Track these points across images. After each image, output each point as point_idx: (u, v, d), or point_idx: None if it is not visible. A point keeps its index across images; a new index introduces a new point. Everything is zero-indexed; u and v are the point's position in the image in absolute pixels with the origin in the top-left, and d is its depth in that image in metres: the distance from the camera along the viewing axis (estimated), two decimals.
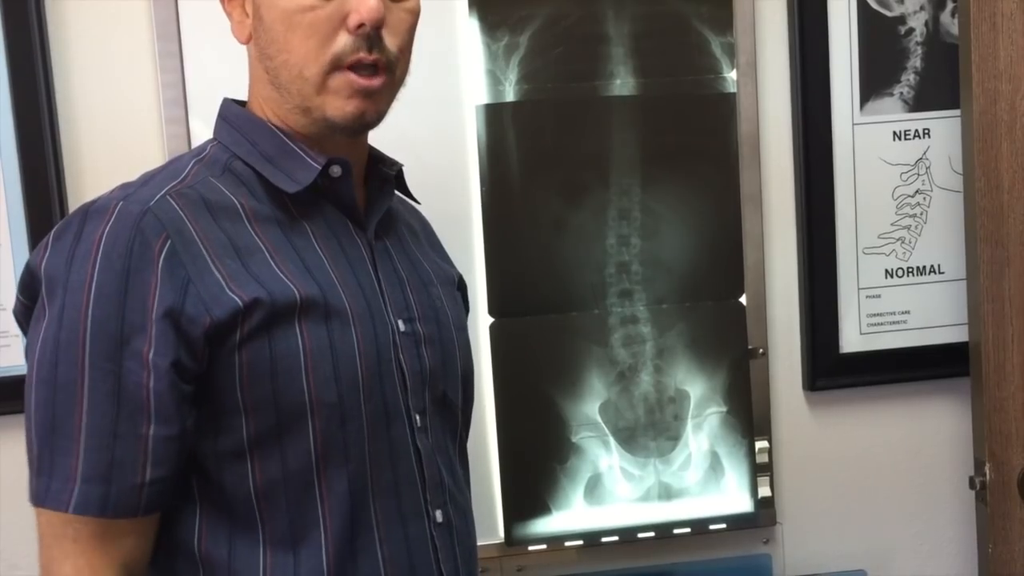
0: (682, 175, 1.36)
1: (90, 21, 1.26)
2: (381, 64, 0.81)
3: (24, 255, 1.25)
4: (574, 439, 1.36)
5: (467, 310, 1.04)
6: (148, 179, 0.83)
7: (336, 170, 0.85)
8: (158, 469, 0.76)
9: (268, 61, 0.83)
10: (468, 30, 1.30)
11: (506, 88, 1.32)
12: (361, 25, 0.79)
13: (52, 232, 0.80)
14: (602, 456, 1.37)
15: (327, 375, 0.79)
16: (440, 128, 1.32)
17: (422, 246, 0.98)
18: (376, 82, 0.81)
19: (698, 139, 1.36)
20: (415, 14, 0.84)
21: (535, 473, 1.35)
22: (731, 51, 1.35)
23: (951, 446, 1.47)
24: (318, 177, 0.84)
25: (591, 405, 1.36)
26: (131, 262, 0.76)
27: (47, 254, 0.78)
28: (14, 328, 1.26)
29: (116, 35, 1.27)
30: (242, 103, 0.90)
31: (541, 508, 1.36)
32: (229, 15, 0.86)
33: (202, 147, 0.88)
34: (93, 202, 0.80)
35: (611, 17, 1.33)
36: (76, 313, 0.75)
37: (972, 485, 1.37)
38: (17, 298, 0.81)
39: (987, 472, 1.34)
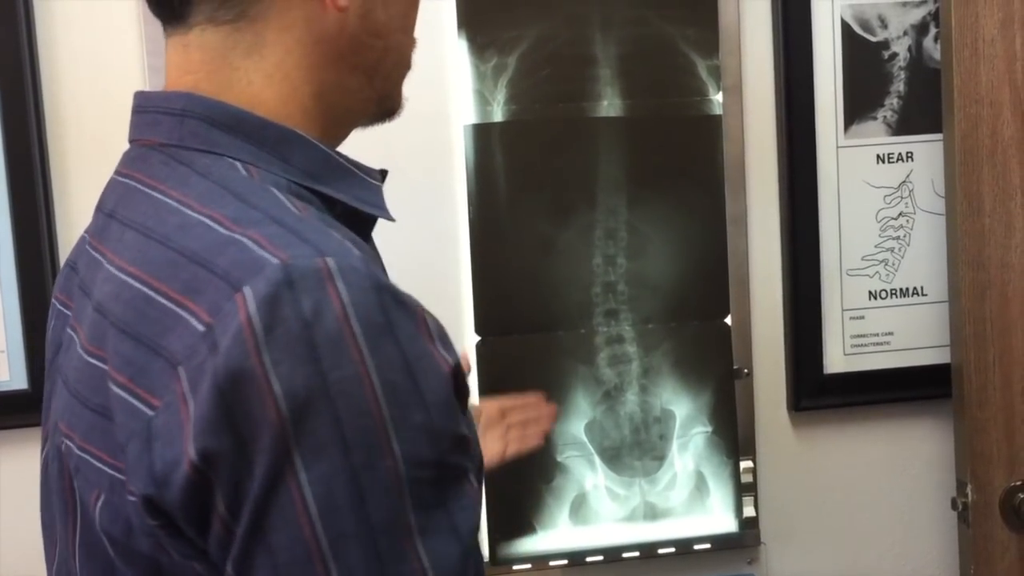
0: (668, 196, 1.37)
1: (79, 25, 1.27)
2: None
3: (10, 262, 1.25)
4: (559, 458, 1.36)
5: None
6: (276, 218, 0.56)
7: (382, 183, 0.70)
8: None
9: (376, 40, 0.66)
10: (456, 50, 1.31)
11: (494, 108, 1.33)
12: None
13: (253, 322, 0.51)
14: (587, 475, 1.37)
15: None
16: (428, 147, 1.33)
17: None
18: None
19: (684, 160, 1.38)
20: None
21: (520, 492, 1.35)
22: (717, 74, 1.37)
23: (934, 467, 1.47)
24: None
25: (577, 424, 1.36)
26: (398, 329, 0.54)
27: (266, 356, 0.51)
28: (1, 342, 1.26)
29: (105, 40, 1.28)
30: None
31: (526, 527, 1.35)
32: None
33: (218, 161, 0.61)
34: (282, 268, 0.52)
35: (598, 39, 1.35)
36: (365, 419, 0.52)
37: (954, 506, 1.37)
38: (185, 464, 0.51)
39: (969, 493, 1.34)
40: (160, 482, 0.53)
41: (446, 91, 1.32)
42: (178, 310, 0.54)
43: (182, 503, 0.53)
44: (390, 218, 0.67)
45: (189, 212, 0.58)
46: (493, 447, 1.15)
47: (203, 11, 0.62)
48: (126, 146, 0.66)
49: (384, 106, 0.71)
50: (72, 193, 1.28)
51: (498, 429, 1.17)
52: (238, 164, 0.60)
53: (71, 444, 0.61)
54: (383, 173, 0.71)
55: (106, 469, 0.57)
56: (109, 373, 0.57)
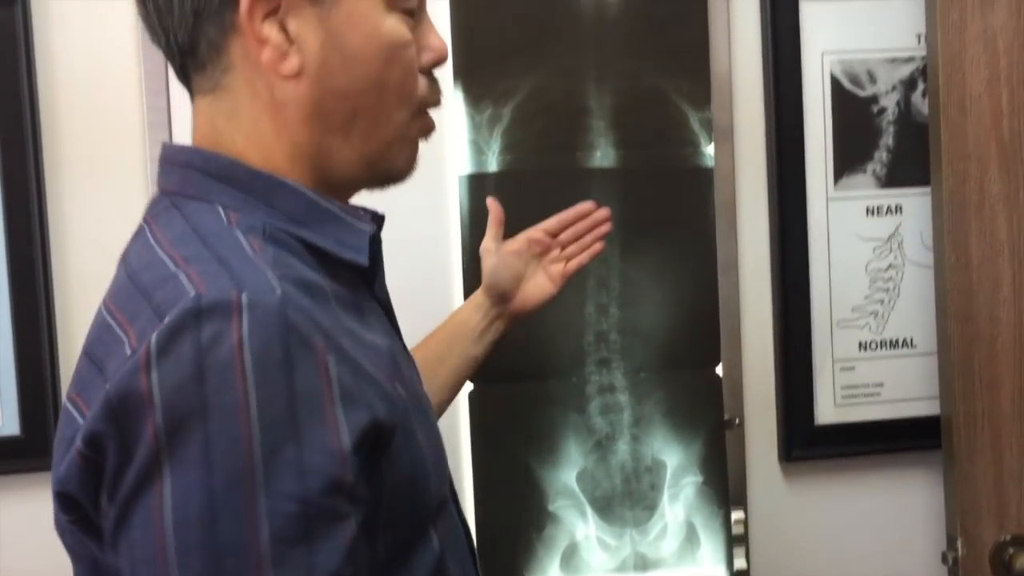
0: (660, 245, 1.38)
1: (77, 43, 1.29)
2: None
3: (5, 308, 1.25)
4: (551, 508, 1.36)
5: None
6: (222, 258, 0.61)
7: (373, 228, 0.72)
8: None
9: (341, 102, 0.68)
10: (453, 101, 1.33)
11: (489, 158, 1.35)
12: (436, 63, 0.73)
13: (151, 345, 0.57)
14: (579, 525, 1.36)
15: (440, 471, 0.71)
16: (424, 196, 1.34)
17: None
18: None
19: (676, 211, 1.39)
20: None
21: (512, 541, 1.35)
22: (709, 126, 1.39)
23: (924, 519, 1.47)
24: (370, 238, 0.71)
25: (568, 473, 1.36)
26: (295, 369, 0.57)
27: (157, 386, 0.56)
28: None
29: (104, 55, 1.29)
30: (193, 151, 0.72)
31: None
32: (263, 39, 0.66)
33: (207, 208, 0.66)
34: (197, 297, 0.58)
35: (593, 91, 1.37)
36: (233, 447, 0.55)
37: (944, 560, 1.37)
38: (74, 451, 0.58)
39: (959, 547, 1.34)
40: (64, 476, 0.60)
41: (442, 141, 1.34)
42: (121, 335, 0.61)
43: (81, 491, 0.60)
44: (361, 263, 0.70)
45: (158, 251, 0.64)
46: (535, 288, 1.12)
47: (196, 83, 0.71)
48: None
49: (378, 168, 0.73)
50: (68, 236, 1.29)
51: (531, 267, 1.13)
52: (221, 209, 0.66)
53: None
54: (379, 218, 0.76)
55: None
56: (70, 395, 0.64)
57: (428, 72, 0.74)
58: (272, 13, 0.66)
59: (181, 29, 0.67)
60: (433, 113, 0.76)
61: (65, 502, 0.62)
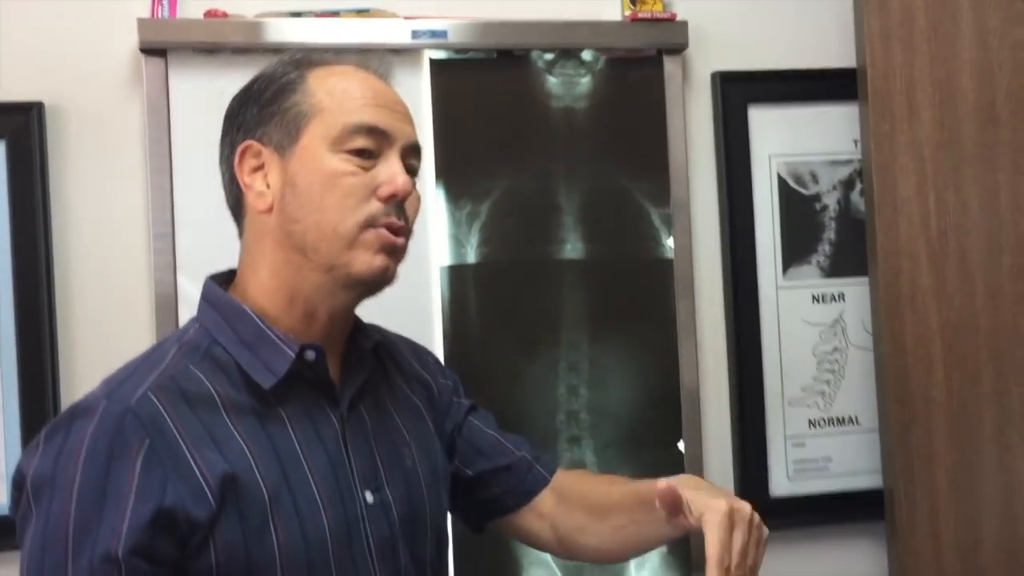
0: (625, 331, 1.50)
1: (89, 178, 1.39)
2: (404, 230, 0.90)
3: (14, 414, 1.34)
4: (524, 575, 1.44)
5: (464, 401, 1.13)
6: (132, 371, 0.86)
7: (311, 355, 0.89)
8: None
9: (295, 224, 0.88)
10: (435, 198, 1.45)
11: (468, 251, 1.46)
12: (393, 196, 0.88)
13: (43, 433, 0.83)
14: None
15: (299, 562, 0.84)
16: (407, 287, 1.43)
17: (413, 392, 1.04)
18: (401, 241, 0.90)
19: (640, 299, 1.51)
20: (420, 201, 0.94)
21: None
22: (668, 222, 1.52)
23: None
24: (292, 363, 0.88)
25: None
26: (111, 465, 0.79)
27: (37, 457, 0.81)
28: None
29: (113, 191, 1.39)
30: (227, 275, 0.95)
31: None
32: (248, 187, 0.91)
33: (185, 329, 0.92)
34: (81, 401, 0.84)
35: (563, 190, 1.49)
36: (62, 515, 0.78)
37: None
38: (12, 495, 0.84)
39: None
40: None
41: (426, 235, 1.44)
42: None
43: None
44: (260, 382, 0.87)
45: (130, 361, 0.90)
46: None
47: (238, 230, 0.97)
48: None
49: (337, 274, 0.89)
50: (76, 341, 1.38)
51: None
52: (195, 327, 0.91)
53: None
54: (371, 336, 0.98)
55: None
56: None
57: (387, 201, 0.89)
58: (258, 168, 0.91)
59: (228, 193, 0.96)
60: (419, 211, 0.93)
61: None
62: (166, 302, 1.36)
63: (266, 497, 0.83)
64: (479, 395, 1.44)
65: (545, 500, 1.09)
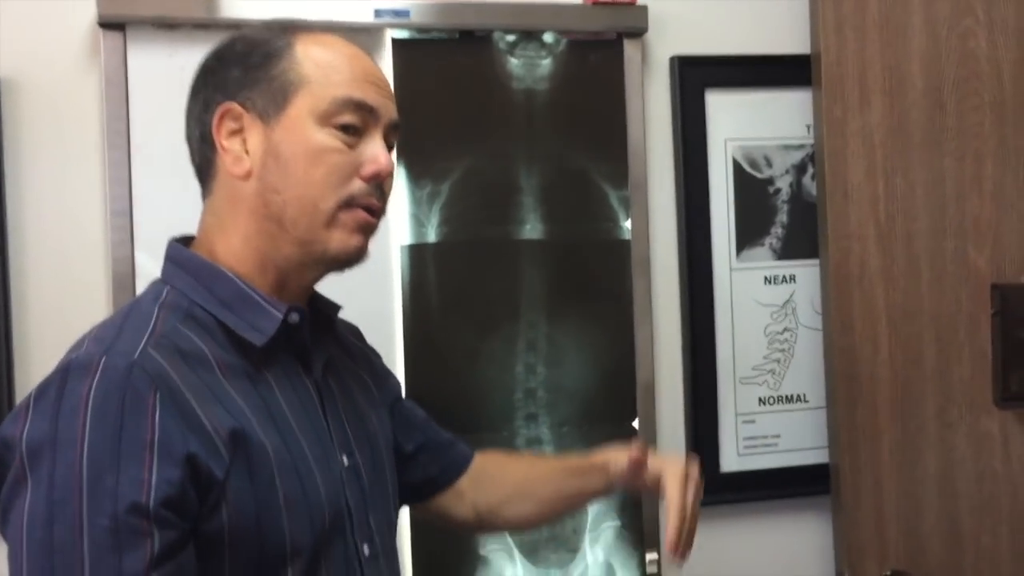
0: (583, 311, 1.52)
1: (45, 154, 1.37)
2: (381, 210, 0.92)
3: None
4: (482, 552, 1.47)
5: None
6: (118, 329, 0.83)
7: (295, 317, 0.89)
8: None
9: (274, 195, 0.87)
10: (396, 177, 1.45)
11: (428, 230, 1.47)
12: (376, 175, 0.89)
13: (31, 397, 0.79)
14: (507, 568, 1.48)
15: (303, 522, 0.84)
16: (367, 265, 1.44)
17: (358, 366, 1.06)
18: (376, 221, 0.92)
19: (597, 279, 1.54)
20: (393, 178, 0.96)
21: None
22: (626, 203, 1.55)
23: (819, 558, 1.63)
24: (280, 325, 0.88)
25: None
26: (124, 418, 0.76)
27: (28, 422, 0.77)
28: None
29: (69, 166, 1.38)
30: (185, 240, 0.93)
31: None
32: (226, 150, 0.89)
33: (157, 291, 0.89)
34: (72, 360, 0.79)
35: (523, 171, 1.51)
36: (69, 471, 0.74)
37: None
38: None
39: None
40: None
41: (387, 214, 1.45)
42: None
43: None
44: (254, 341, 0.87)
45: (105, 322, 0.87)
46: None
47: (203, 191, 0.94)
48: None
49: (313, 250, 0.89)
50: (31, 317, 1.37)
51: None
52: (167, 288, 0.88)
53: None
54: (333, 307, 1.00)
55: None
56: None
57: (370, 180, 0.90)
58: (237, 132, 0.89)
59: (196, 151, 0.93)
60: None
61: None
62: (123, 280, 1.35)
63: (271, 455, 0.83)
64: (438, 373, 1.47)
65: (464, 480, 1.15)
